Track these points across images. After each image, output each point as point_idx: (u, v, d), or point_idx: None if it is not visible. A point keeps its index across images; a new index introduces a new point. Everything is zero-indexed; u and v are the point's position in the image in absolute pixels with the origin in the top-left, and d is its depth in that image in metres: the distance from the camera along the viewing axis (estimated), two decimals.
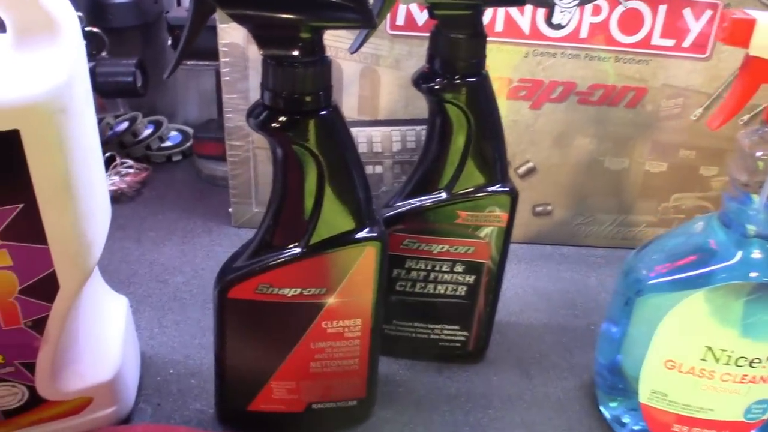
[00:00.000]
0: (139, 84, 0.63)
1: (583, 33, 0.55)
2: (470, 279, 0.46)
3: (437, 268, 0.46)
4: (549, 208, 0.63)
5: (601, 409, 0.47)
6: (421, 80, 0.42)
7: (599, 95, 0.58)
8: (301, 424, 0.44)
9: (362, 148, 0.59)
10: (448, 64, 0.41)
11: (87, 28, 0.65)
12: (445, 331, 0.49)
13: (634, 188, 0.62)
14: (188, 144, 0.76)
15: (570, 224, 0.64)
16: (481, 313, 0.48)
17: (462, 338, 0.49)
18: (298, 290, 0.39)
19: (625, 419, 0.46)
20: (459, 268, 0.46)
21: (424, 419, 0.46)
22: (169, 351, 0.50)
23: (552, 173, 0.61)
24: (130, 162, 0.69)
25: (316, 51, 0.34)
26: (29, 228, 0.33)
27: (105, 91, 0.63)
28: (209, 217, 0.66)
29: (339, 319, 0.40)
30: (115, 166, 0.68)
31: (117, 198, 0.67)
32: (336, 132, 0.36)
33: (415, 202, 0.44)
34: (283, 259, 0.37)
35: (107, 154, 0.68)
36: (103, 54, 0.66)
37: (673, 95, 0.58)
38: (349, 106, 0.57)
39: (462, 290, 0.47)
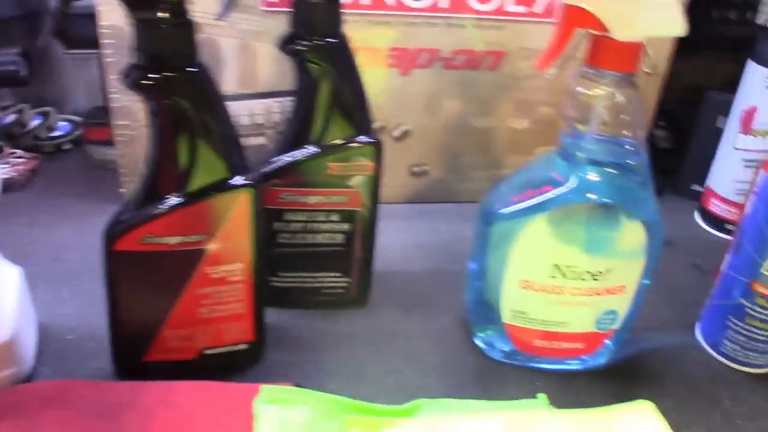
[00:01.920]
0: (23, 73, 0.64)
1: (443, 3, 0.60)
2: (346, 227, 0.50)
3: (315, 219, 0.50)
4: (425, 168, 0.68)
5: (475, 339, 0.52)
6: (284, 43, 0.46)
7: (462, 60, 0.63)
8: (195, 370, 0.46)
9: (244, 121, 0.62)
10: (308, 26, 0.45)
11: None
12: (328, 279, 0.53)
13: (502, 145, 0.68)
14: (77, 133, 0.77)
15: (445, 182, 0.69)
16: (359, 260, 0.52)
17: (344, 284, 0.53)
18: (181, 238, 0.42)
19: (496, 343, 0.51)
20: (335, 217, 0.50)
21: (313, 358, 0.49)
22: (67, 320, 0.52)
23: (425, 135, 0.66)
24: (19, 152, 0.70)
25: (179, 13, 0.37)
26: None
27: None
28: (103, 199, 0.68)
29: (221, 264, 0.43)
30: (3, 157, 0.69)
31: (8, 187, 0.68)
32: (204, 87, 0.39)
33: (287, 156, 0.48)
34: (164, 209, 0.41)
35: None
36: None
37: (529, 57, 0.64)
38: (230, 80, 0.61)
39: (339, 238, 0.51)
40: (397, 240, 0.64)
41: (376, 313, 0.54)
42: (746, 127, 0.66)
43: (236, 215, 0.42)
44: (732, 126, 0.68)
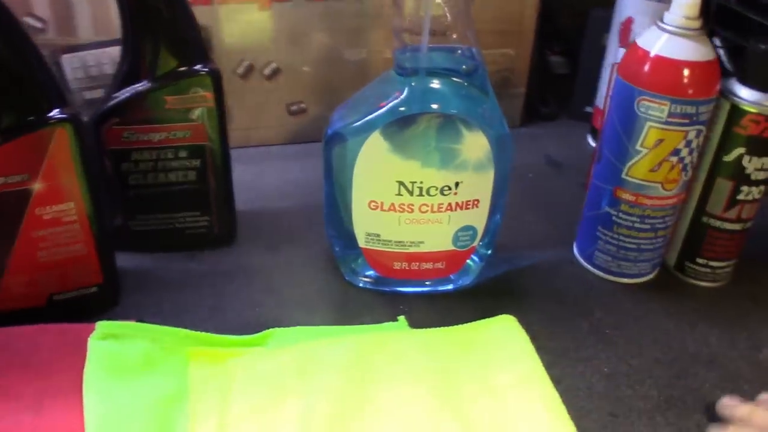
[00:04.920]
0: None
1: None
2: (196, 163, 0.49)
3: (163, 157, 0.49)
4: (303, 105, 0.66)
5: (340, 268, 0.51)
6: None
7: None
8: (47, 317, 0.45)
9: (107, 70, 0.60)
10: None
11: None
12: (188, 219, 0.52)
13: (377, 76, 0.66)
14: None
15: (326, 119, 0.67)
16: (216, 196, 0.51)
17: (205, 223, 0.52)
18: (2, 179, 0.40)
19: (357, 267, 0.50)
20: (183, 153, 0.49)
21: (172, 297, 0.49)
22: None
23: (297, 72, 0.64)
24: None
25: None
26: None
27: None
28: None
29: (51, 205, 0.42)
30: None
31: None
32: None
33: (123, 93, 0.46)
34: None
35: None
36: None
37: None
38: (84, 26, 0.59)
39: (192, 175, 0.50)
40: (272, 179, 0.63)
41: (242, 250, 0.53)
42: (624, 40, 0.66)
43: (56, 152, 0.41)
44: (613, 41, 0.68)
